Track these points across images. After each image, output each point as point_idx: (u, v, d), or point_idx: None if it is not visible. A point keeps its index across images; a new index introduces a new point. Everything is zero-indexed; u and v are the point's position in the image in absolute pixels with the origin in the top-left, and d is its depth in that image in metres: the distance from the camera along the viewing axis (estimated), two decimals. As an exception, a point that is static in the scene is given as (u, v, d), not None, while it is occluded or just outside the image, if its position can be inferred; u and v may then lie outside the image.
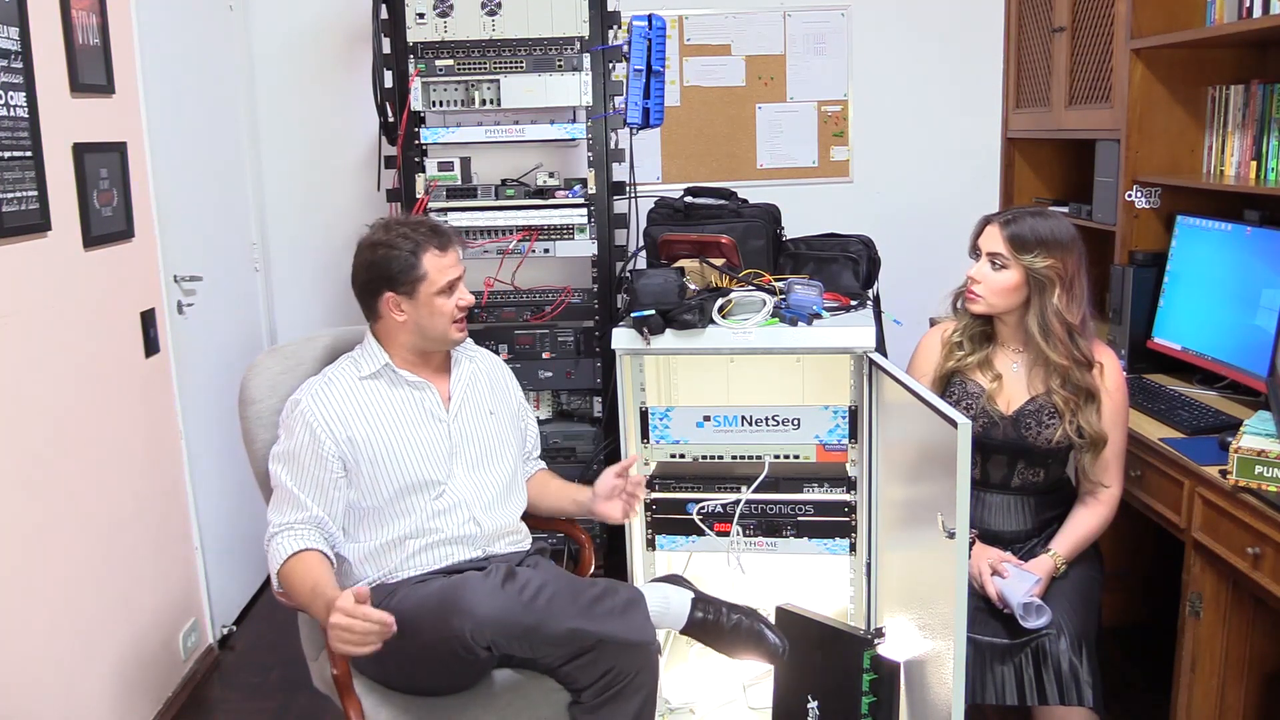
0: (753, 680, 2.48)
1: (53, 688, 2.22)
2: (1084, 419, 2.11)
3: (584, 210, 2.98)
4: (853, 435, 2.33)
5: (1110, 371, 2.16)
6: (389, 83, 2.99)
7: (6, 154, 2.07)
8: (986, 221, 2.18)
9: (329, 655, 1.89)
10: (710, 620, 2.04)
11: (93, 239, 2.42)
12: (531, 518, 2.25)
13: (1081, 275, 2.12)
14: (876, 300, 2.58)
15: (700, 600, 2.05)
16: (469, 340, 2.22)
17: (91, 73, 2.44)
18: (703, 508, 2.40)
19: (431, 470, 2.04)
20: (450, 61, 2.95)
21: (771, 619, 2.18)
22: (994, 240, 2.14)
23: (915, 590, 2.10)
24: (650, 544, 2.45)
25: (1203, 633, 2.14)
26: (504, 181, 3.07)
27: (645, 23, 2.77)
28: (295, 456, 1.96)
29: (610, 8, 2.96)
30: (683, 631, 2.05)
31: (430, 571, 2.03)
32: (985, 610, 2.08)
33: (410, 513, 2.02)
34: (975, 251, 2.19)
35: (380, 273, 2.03)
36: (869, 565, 2.35)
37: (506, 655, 1.83)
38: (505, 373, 2.28)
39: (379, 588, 1.98)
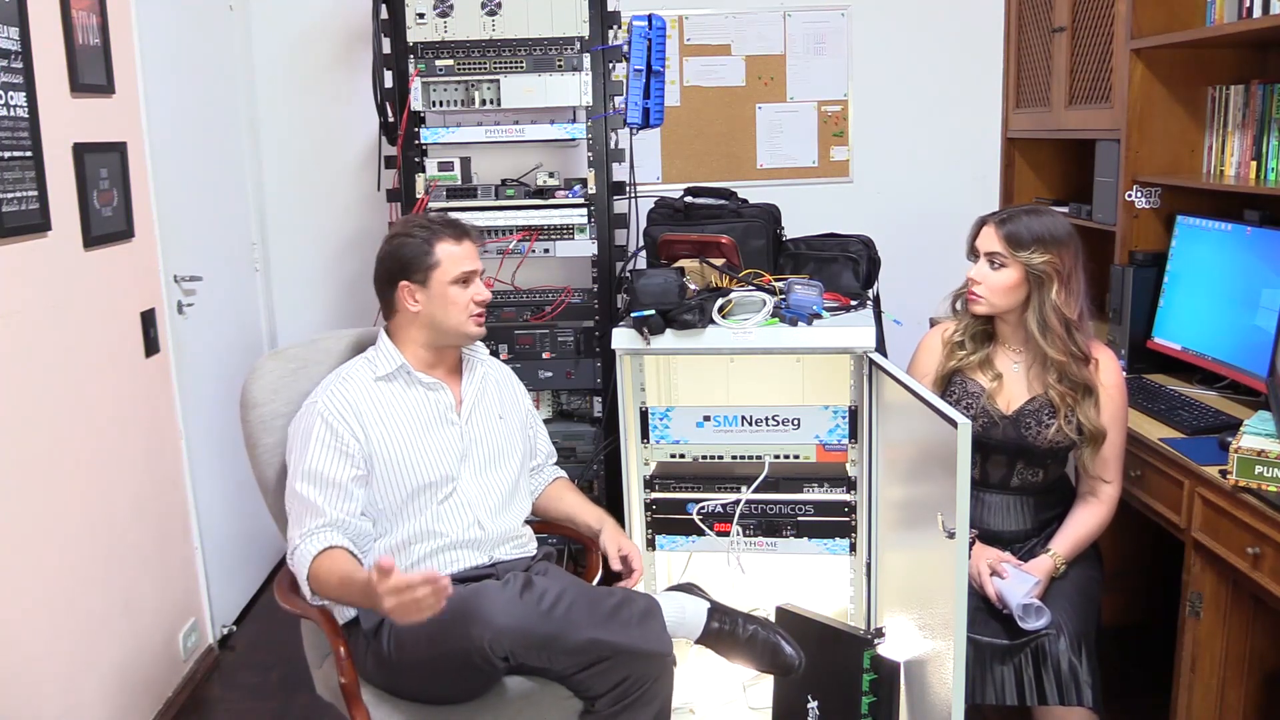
0: (753, 680, 2.48)
1: (53, 687, 2.22)
2: (1082, 414, 2.11)
3: (584, 210, 2.98)
4: (853, 435, 2.33)
5: (1108, 369, 2.16)
6: (389, 83, 2.99)
7: (6, 154, 2.07)
8: (983, 222, 2.19)
9: (335, 663, 1.88)
10: (726, 631, 2.01)
11: (93, 239, 2.42)
12: (535, 520, 2.24)
13: (1079, 271, 2.13)
14: (876, 300, 2.58)
15: (716, 610, 2.03)
16: (480, 346, 2.22)
17: (91, 73, 2.44)
18: (703, 508, 2.40)
19: (442, 471, 2.02)
20: (450, 61, 2.95)
21: (771, 619, 2.18)
22: (991, 240, 2.14)
23: (915, 590, 2.10)
24: (650, 544, 2.45)
25: (1203, 633, 2.14)
26: (504, 181, 3.07)
27: (645, 23, 2.77)
28: (316, 470, 1.92)
29: (610, 8, 2.95)
30: (698, 641, 2.02)
31: None
32: (985, 610, 2.08)
33: (418, 514, 2.00)
34: (973, 253, 2.19)
35: (395, 262, 2.04)
36: (869, 565, 2.35)
37: (520, 663, 1.81)
38: (514, 381, 2.28)
39: None
